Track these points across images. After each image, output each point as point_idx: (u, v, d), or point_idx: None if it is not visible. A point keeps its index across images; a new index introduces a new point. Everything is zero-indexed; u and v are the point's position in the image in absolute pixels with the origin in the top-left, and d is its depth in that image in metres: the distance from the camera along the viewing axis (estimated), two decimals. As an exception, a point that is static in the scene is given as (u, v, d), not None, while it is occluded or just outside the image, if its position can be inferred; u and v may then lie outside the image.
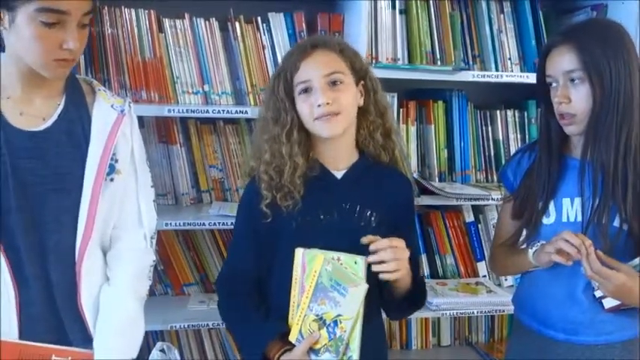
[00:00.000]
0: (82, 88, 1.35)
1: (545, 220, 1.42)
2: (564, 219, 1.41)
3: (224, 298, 1.49)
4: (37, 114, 1.28)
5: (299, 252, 1.31)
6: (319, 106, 1.33)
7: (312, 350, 1.30)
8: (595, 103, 1.32)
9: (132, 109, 1.38)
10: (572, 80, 1.34)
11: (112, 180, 1.31)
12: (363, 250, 1.28)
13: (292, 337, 1.33)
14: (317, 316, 1.29)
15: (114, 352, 1.30)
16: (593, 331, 1.39)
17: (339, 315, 1.27)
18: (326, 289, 1.28)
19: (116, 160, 1.32)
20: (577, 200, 1.39)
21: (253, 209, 1.40)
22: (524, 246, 1.47)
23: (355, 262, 1.26)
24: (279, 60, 1.96)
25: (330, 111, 1.33)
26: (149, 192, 1.41)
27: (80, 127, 1.30)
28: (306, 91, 1.36)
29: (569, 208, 1.40)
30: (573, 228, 1.36)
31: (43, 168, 1.25)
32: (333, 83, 1.35)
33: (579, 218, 1.38)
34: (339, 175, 1.43)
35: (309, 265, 1.29)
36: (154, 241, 1.42)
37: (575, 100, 1.34)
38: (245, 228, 1.45)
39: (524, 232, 1.47)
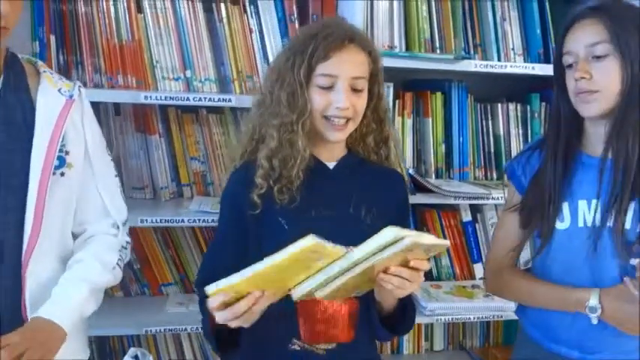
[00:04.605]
0: (24, 68, 1.22)
1: (558, 225, 1.30)
2: (580, 223, 1.29)
3: None
4: None
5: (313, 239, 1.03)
6: (337, 108, 1.27)
7: None
8: (624, 83, 1.19)
9: (82, 93, 1.26)
10: (596, 56, 1.21)
11: (62, 175, 1.19)
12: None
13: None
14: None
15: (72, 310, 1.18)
16: (612, 349, 1.28)
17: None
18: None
19: (66, 153, 1.20)
20: (595, 202, 1.27)
21: (240, 198, 1.28)
22: (528, 265, 1.36)
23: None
24: (268, 46, 1.88)
25: (345, 116, 1.28)
26: (112, 182, 1.31)
27: (21, 114, 1.17)
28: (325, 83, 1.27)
29: (586, 211, 1.28)
30: (590, 233, 1.25)
31: None
32: (355, 87, 1.28)
33: (598, 223, 1.26)
34: (330, 165, 1.35)
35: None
36: (127, 227, 1.33)
37: (597, 76, 1.21)
38: (229, 222, 1.32)
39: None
